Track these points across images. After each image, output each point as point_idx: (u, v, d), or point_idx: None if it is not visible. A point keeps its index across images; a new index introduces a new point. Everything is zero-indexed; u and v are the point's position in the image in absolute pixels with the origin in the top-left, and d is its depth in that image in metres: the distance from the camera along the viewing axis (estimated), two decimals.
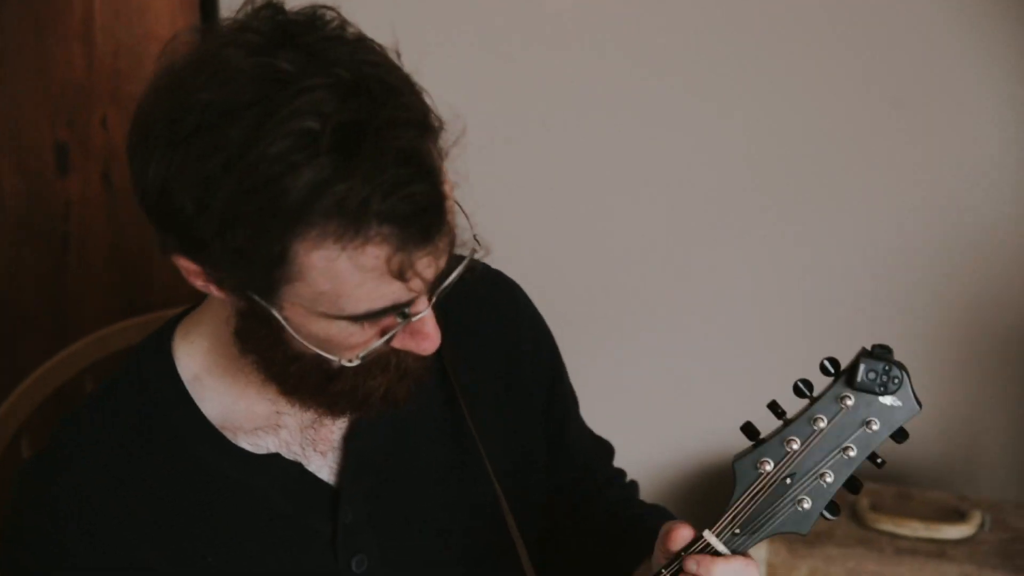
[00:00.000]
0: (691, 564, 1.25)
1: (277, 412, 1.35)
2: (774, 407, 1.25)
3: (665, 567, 1.27)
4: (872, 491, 2.30)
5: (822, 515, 1.25)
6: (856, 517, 2.23)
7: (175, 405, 1.34)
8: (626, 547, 1.44)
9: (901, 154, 2.27)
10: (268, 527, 1.36)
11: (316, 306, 1.18)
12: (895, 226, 2.33)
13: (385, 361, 1.26)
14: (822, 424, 1.23)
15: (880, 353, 1.21)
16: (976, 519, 2.20)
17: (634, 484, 1.63)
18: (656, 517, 1.57)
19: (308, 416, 1.35)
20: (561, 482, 1.54)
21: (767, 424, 1.26)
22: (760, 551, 2.16)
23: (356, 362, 1.22)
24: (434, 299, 1.23)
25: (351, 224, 1.12)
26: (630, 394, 2.38)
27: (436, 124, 1.17)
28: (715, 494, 2.45)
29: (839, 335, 2.37)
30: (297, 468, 1.36)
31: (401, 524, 1.41)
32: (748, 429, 1.25)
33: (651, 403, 2.41)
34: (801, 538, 2.16)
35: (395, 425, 1.39)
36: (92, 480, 1.32)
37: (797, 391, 1.23)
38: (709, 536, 1.25)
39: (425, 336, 1.24)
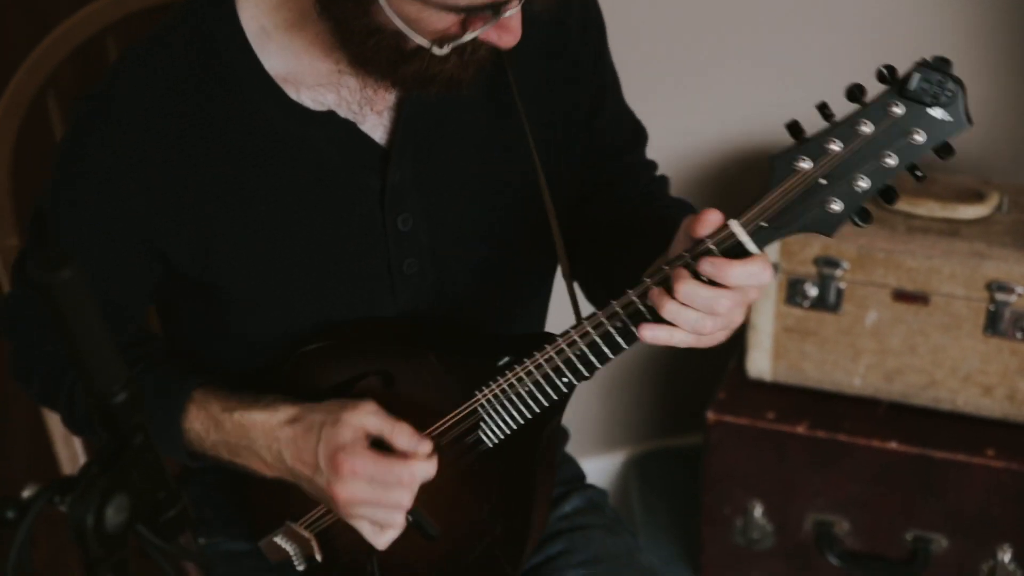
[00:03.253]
0: (706, 266, 1.26)
1: (339, 72, 1.38)
2: (823, 108, 1.23)
3: (688, 250, 1.28)
4: None
5: (851, 220, 1.25)
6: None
7: (236, 55, 1.37)
8: (646, 237, 1.46)
9: None
10: (320, 181, 1.41)
11: None
12: None
13: (460, 49, 1.28)
14: (866, 129, 1.21)
15: (938, 64, 1.18)
16: (994, 200, 2.21)
17: (664, 179, 1.64)
18: (681, 212, 1.58)
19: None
20: (589, 161, 1.56)
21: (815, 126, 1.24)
22: None
23: (444, 51, 1.26)
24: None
25: None
26: (664, 81, 2.38)
27: None
28: (741, 188, 2.47)
29: (880, 37, 2.34)
30: (352, 126, 1.41)
31: (444, 188, 1.46)
32: (793, 127, 1.23)
33: (685, 91, 2.40)
34: None
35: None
36: (148, 119, 1.37)
37: (850, 95, 1.21)
38: (734, 225, 1.26)
39: (509, 31, 1.27)
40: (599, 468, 2.61)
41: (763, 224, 1.25)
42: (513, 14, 1.26)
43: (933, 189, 2.26)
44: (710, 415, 2.24)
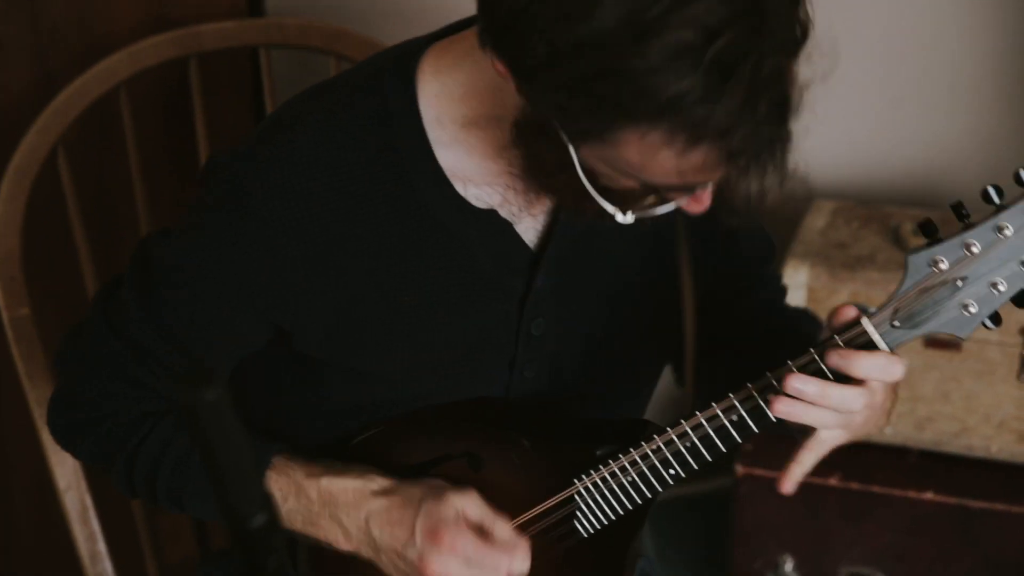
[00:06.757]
0: (834, 358, 1.23)
1: (509, 173, 1.30)
2: (958, 208, 1.21)
3: (816, 345, 1.25)
4: (915, 215, 2.27)
5: (983, 323, 1.23)
6: (899, 242, 2.20)
7: (411, 141, 1.29)
8: (769, 342, 1.42)
9: None
10: (467, 279, 1.35)
11: (614, 164, 1.14)
12: None
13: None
14: (1008, 232, 1.18)
15: None
16: None
17: (785, 289, 1.60)
18: (805, 322, 1.55)
19: None
20: (723, 273, 1.50)
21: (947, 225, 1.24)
22: (800, 275, 2.15)
23: (628, 219, 1.19)
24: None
25: (692, 135, 1.07)
26: None
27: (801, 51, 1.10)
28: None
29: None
30: (509, 227, 1.34)
31: (580, 296, 1.40)
32: (926, 226, 1.22)
33: None
34: (842, 263, 2.15)
35: None
36: (311, 192, 1.29)
37: (985, 197, 1.19)
38: (866, 324, 1.23)
39: (699, 203, 1.19)
40: None
41: (896, 324, 1.23)
42: (708, 190, 1.18)
43: (957, 231, 2.21)
44: (739, 468, 2.18)
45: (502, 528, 1.34)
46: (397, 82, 1.29)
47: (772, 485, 2.14)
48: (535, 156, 1.21)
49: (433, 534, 1.31)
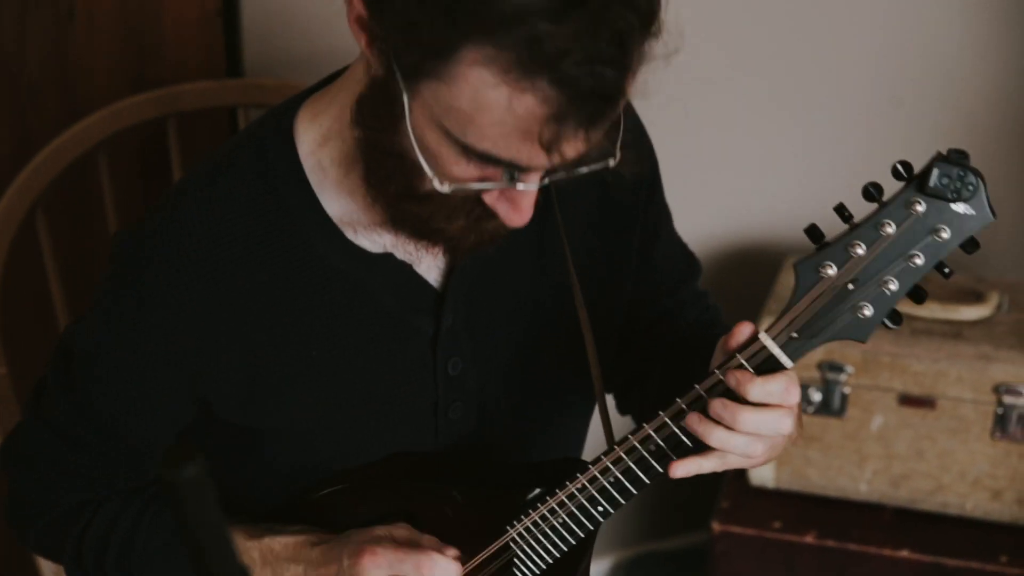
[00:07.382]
0: (731, 379, 1.22)
1: None
2: (841, 210, 1.18)
3: (718, 367, 1.24)
4: None
5: (883, 324, 1.21)
6: None
7: (295, 193, 1.29)
8: (699, 364, 1.41)
9: None
10: (374, 323, 1.35)
11: (443, 118, 1.13)
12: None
13: (469, 208, 1.21)
14: (889, 230, 1.16)
15: (956, 158, 1.14)
16: (993, 300, 2.20)
17: (717, 308, 1.60)
18: None
19: None
20: (643, 296, 1.52)
21: (833, 228, 1.22)
22: None
23: (446, 189, 1.17)
24: (546, 180, 1.18)
25: (529, 65, 1.07)
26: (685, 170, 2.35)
27: (657, 27, 1.11)
28: (744, 290, 2.44)
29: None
30: (408, 269, 1.34)
31: (492, 331, 1.41)
32: (812, 232, 1.20)
33: (700, 185, 2.37)
34: None
35: None
36: (203, 261, 1.29)
37: (866, 195, 1.16)
38: (764, 338, 1.22)
39: (517, 208, 1.19)
40: None
41: (794, 335, 1.22)
42: (527, 190, 1.18)
43: (929, 289, 2.22)
44: (715, 525, 2.18)
45: (430, 538, 1.34)
46: (275, 135, 1.30)
47: (749, 543, 2.16)
48: (372, 133, 1.21)
49: (357, 553, 1.31)
